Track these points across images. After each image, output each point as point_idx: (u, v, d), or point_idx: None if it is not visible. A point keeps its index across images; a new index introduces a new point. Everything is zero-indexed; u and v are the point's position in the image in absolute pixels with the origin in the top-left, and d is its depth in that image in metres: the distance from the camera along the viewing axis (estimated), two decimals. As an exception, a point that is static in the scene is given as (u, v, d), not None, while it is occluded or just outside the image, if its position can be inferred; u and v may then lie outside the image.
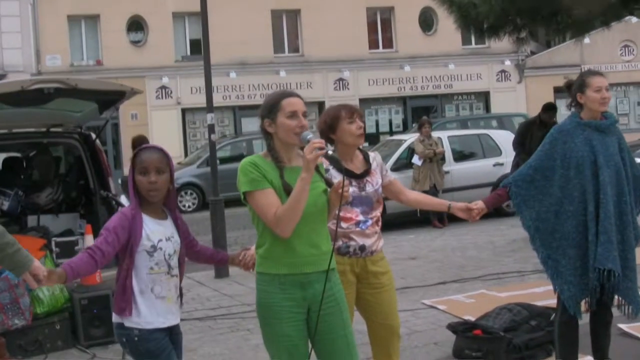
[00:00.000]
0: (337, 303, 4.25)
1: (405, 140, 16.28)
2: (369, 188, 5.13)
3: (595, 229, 5.43)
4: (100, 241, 4.00)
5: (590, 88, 5.54)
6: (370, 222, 5.11)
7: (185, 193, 22.75)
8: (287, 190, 4.06)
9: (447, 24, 32.61)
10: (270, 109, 4.22)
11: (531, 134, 12.67)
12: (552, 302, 8.10)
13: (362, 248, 5.06)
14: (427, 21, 32.78)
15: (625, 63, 34.05)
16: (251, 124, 29.96)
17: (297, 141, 4.15)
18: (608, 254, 5.39)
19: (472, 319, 7.49)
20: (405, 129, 30.90)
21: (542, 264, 5.72)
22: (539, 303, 7.89)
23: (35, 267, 3.80)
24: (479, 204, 5.60)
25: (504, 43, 30.56)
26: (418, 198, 5.71)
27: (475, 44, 32.86)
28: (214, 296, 9.92)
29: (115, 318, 4.19)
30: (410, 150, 15.59)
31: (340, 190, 4.06)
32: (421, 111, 31.66)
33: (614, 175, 5.52)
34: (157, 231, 4.17)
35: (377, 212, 5.20)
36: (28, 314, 7.51)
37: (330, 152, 4.06)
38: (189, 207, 22.49)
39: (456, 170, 16.00)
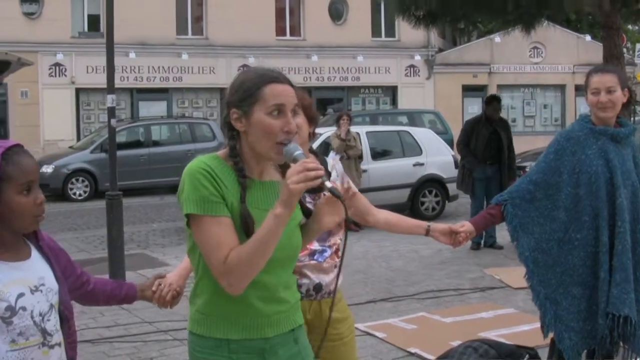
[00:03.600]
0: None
1: (320, 134, 14.97)
2: None
3: (609, 264, 4.30)
4: None
5: (589, 89, 4.43)
6: (328, 252, 3.84)
7: (77, 180, 20.91)
8: (245, 222, 2.73)
9: (357, 14, 32.21)
10: (244, 95, 2.78)
11: (477, 132, 11.70)
12: (506, 331, 7.21)
13: (318, 287, 3.81)
14: (337, 10, 31.66)
15: (534, 65, 33.70)
16: (149, 108, 28.47)
17: (277, 153, 2.77)
18: (625, 296, 4.28)
19: (419, 351, 6.42)
20: (310, 121, 29.70)
21: (538, 306, 4.56)
22: (492, 333, 7.00)
23: None
24: (466, 227, 4.41)
25: (414, 37, 30.41)
26: (389, 219, 4.29)
27: (386, 36, 32.03)
28: (108, 309, 8.39)
29: None
30: (325, 145, 14.32)
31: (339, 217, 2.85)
32: (327, 103, 30.67)
33: (631, 197, 4.40)
34: (13, 281, 2.61)
35: (337, 238, 3.92)
36: None
37: (328, 184, 2.72)
38: (79, 195, 20.73)
39: (374, 169, 14.81)
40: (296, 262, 3.03)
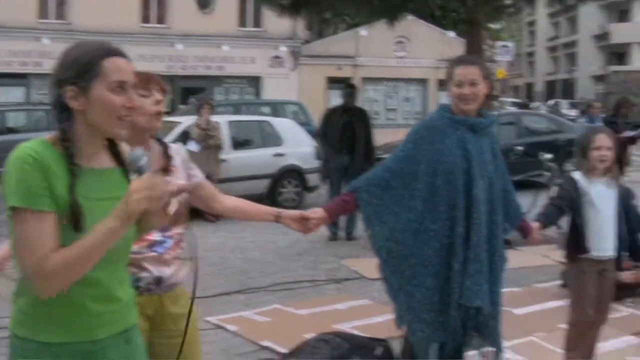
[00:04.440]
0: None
1: (180, 123, 14.59)
2: None
3: (464, 255, 4.22)
4: None
5: (452, 80, 4.31)
6: (169, 242, 3.58)
7: None
8: (74, 214, 2.43)
9: (224, 3, 31.78)
10: (81, 70, 2.49)
11: (332, 122, 11.62)
12: (360, 322, 7.13)
13: (159, 280, 3.54)
14: (204, -3, 31.23)
15: (398, 59, 34.08)
16: (7, 94, 27.25)
17: (120, 127, 2.53)
18: (478, 287, 4.20)
19: (272, 345, 6.28)
20: (172, 110, 29.18)
21: (391, 297, 4.44)
22: (346, 325, 6.89)
23: None
24: (318, 213, 4.25)
25: (280, 28, 30.27)
26: (238, 205, 4.03)
27: (252, 26, 31.80)
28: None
29: None
30: (185, 134, 13.94)
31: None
32: (190, 92, 30.16)
33: (487, 188, 4.32)
34: None
35: (180, 228, 3.69)
36: None
37: (172, 207, 2.54)
38: None
39: (234, 159, 14.51)
40: (130, 254, 2.79)
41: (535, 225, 4.98)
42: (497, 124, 5.19)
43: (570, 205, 5.22)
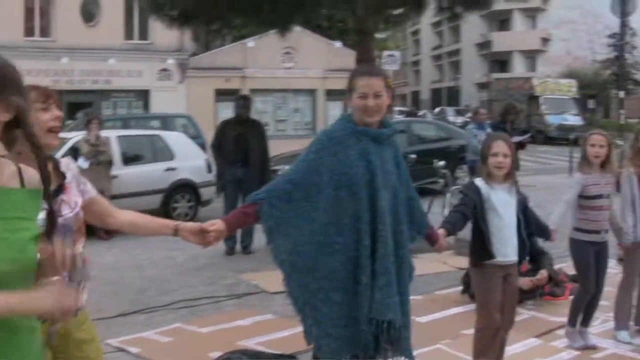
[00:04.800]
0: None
1: (69, 139, 14.17)
2: (66, 211, 3.41)
3: (371, 267, 4.15)
4: None
5: (355, 92, 4.23)
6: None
7: None
8: None
9: (110, 16, 31.22)
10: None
11: (226, 134, 11.46)
12: (264, 338, 6.99)
13: None
14: (89, 11, 30.53)
15: (286, 70, 34.10)
16: None
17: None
18: (388, 300, 4.14)
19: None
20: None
21: (297, 312, 4.34)
22: (251, 341, 6.79)
23: None
24: (216, 225, 4.12)
25: (167, 40, 29.89)
26: (134, 220, 3.91)
27: (139, 39, 31.31)
28: None
29: None
30: (74, 151, 13.56)
31: None
32: (77, 107, 29.44)
33: (391, 199, 4.27)
34: None
35: (80, 247, 3.51)
36: None
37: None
38: None
39: (125, 175, 14.20)
40: (33, 278, 2.60)
41: (441, 232, 4.98)
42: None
43: (474, 211, 5.23)
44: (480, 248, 5.28)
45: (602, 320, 7.23)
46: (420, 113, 56.02)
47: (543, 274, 7.98)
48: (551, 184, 18.01)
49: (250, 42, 32.38)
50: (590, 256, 6.36)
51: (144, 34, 31.68)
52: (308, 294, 4.23)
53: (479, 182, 5.31)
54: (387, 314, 4.12)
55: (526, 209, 5.53)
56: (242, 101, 11.82)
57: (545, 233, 5.86)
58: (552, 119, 43.36)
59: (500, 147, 5.26)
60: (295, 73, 34.23)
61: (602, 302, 6.81)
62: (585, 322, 6.63)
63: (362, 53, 11.29)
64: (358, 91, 4.21)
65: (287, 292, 4.35)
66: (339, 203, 4.16)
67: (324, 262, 4.17)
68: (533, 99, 45.57)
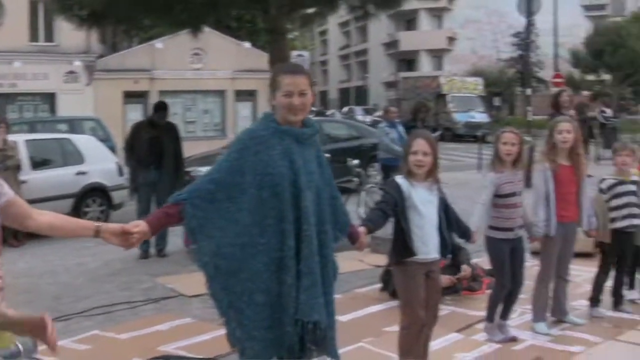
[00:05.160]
0: None
1: (-27, 144, 13.75)
2: None
3: (296, 268, 4.12)
4: None
5: (279, 90, 4.18)
6: None
7: None
8: None
9: (14, 17, 30.38)
10: None
11: (139, 137, 11.27)
12: (185, 342, 6.87)
13: None
14: (-10, 12, 29.80)
15: (195, 71, 33.83)
16: None
17: None
18: (314, 301, 4.12)
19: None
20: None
21: (221, 315, 4.27)
22: (171, 345, 6.69)
23: None
24: (140, 227, 4.02)
25: (74, 42, 29.32)
26: (54, 222, 3.77)
27: (44, 41, 30.63)
28: None
29: None
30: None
31: None
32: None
33: (315, 199, 4.25)
34: None
35: None
36: None
37: None
38: None
39: (34, 180, 13.83)
40: None
41: (361, 230, 4.97)
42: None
43: (395, 209, 5.25)
44: (402, 246, 5.30)
45: (520, 312, 7.37)
46: (329, 112, 56.24)
47: (466, 269, 8.09)
48: (461, 181, 18.27)
49: (159, 43, 32.03)
50: (505, 253, 6.46)
51: (49, 36, 31.05)
52: (232, 296, 4.16)
53: (399, 179, 5.32)
54: (313, 314, 4.10)
55: (448, 207, 5.57)
56: (162, 111, 11.61)
57: (466, 234, 5.90)
58: (460, 117, 44.13)
59: (420, 145, 5.28)
60: (204, 74, 34.00)
61: (520, 295, 6.93)
62: (505, 315, 6.74)
63: (276, 53, 11.24)
64: (283, 89, 4.16)
65: (210, 295, 4.27)
66: (262, 204, 4.11)
67: (248, 263, 4.11)
68: (440, 97, 46.30)
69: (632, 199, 7.31)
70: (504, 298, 6.64)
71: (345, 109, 59.88)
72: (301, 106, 4.17)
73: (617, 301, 7.62)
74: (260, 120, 4.35)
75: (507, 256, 6.46)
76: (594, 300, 7.50)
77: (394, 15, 58.24)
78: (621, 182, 7.34)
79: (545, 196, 6.73)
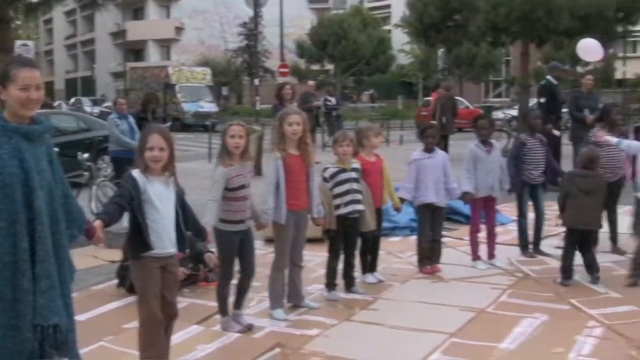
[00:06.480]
0: None
1: None
2: None
3: (32, 272, 3.99)
4: None
5: (14, 83, 4.03)
6: None
7: None
8: None
9: None
10: None
11: None
12: None
13: None
14: None
15: None
16: None
17: None
18: (52, 304, 4.03)
19: None
20: None
21: None
22: None
23: None
24: None
25: None
26: None
27: None
28: None
29: None
30: None
31: None
32: None
33: (48, 199, 4.14)
34: None
35: None
36: None
37: None
38: None
39: None
40: None
41: (97, 224, 4.88)
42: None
43: (131, 203, 5.19)
44: (138, 240, 5.24)
45: (258, 300, 7.53)
46: (55, 104, 54.30)
47: (211, 257, 8.11)
48: (191, 170, 18.23)
49: None
50: (235, 245, 6.53)
51: None
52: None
53: (135, 173, 5.26)
54: (52, 317, 4.01)
55: (185, 205, 5.56)
56: None
57: (202, 234, 5.93)
58: (188, 107, 44.17)
59: (155, 140, 5.24)
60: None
61: (256, 283, 7.07)
62: (239, 305, 6.83)
63: (1, 43, 10.69)
64: (19, 83, 4.02)
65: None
66: (-8, 206, 3.94)
67: None
68: (169, 87, 46.07)
69: (354, 185, 7.70)
70: (237, 288, 6.75)
71: (72, 100, 58.09)
72: (37, 101, 4.06)
73: (349, 283, 8.01)
74: None
75: (236, 248, 6.55)
76: (330, 285, 7.83)
77: (121, 5, 57.25)
78: (343, 170, 7.71)
79: (276, 184, 6.90)
